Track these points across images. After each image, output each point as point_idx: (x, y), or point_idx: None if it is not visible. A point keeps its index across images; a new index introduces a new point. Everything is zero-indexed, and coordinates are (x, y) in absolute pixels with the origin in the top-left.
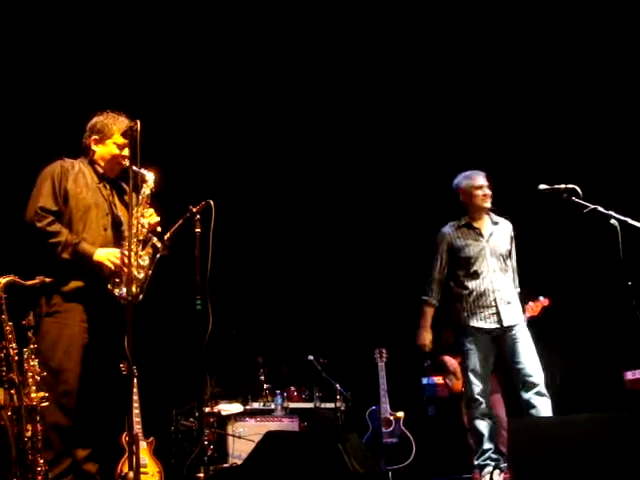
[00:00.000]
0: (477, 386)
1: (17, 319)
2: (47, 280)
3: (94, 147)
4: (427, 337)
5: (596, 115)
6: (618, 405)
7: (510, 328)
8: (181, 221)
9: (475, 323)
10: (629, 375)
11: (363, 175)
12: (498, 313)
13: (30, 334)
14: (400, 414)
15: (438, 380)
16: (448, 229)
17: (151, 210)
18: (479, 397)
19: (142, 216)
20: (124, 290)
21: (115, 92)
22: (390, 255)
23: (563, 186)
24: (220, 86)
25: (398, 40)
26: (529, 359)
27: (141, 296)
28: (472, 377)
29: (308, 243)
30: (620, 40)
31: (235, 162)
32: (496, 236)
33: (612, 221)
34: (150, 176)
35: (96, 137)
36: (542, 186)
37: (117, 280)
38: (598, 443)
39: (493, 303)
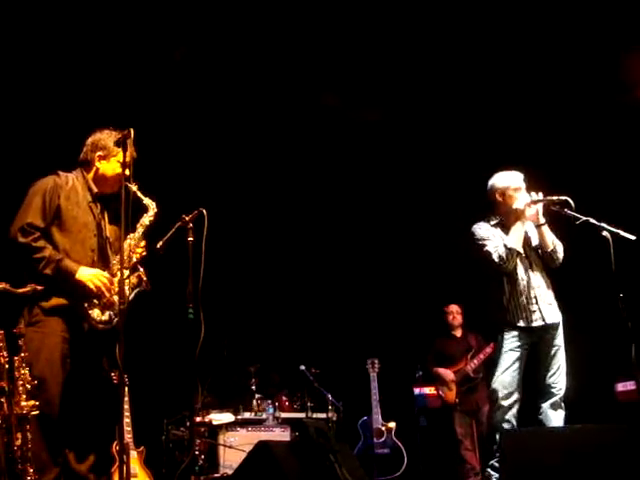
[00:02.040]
0: (504, 389)
1: (8, 327)
2: (38, 288)
3: (97, 164)
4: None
5: (589, 126)
6: (610, 416)
7: (552, 329)
8: (173, 230)
9: (516, 322)
10: (620, 387)
11: (355, 187)
12: (540, 310)
13: (21, 342)
14: (392, 425)
15: (430, 391)
16: (484, 224)
17: (143, 243)
18: (503, 402)
19: (136, 245)
20: (98, 312)
21: (107, 101)
22: (383, 266)
23: (555, 198)
24: (212, 95)
25: (398, 41)
26: (560, 368)
27: (115, 320)
28: (500, 379)
29: (301, 253)
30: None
31: (228, 171)
32: (529, 233)
33: (604, 233)
34: (152, 206)
35: (101, 154)
36: (535, 197)
37: (95, 301)
38: (590, 455)
39: (534, 300)
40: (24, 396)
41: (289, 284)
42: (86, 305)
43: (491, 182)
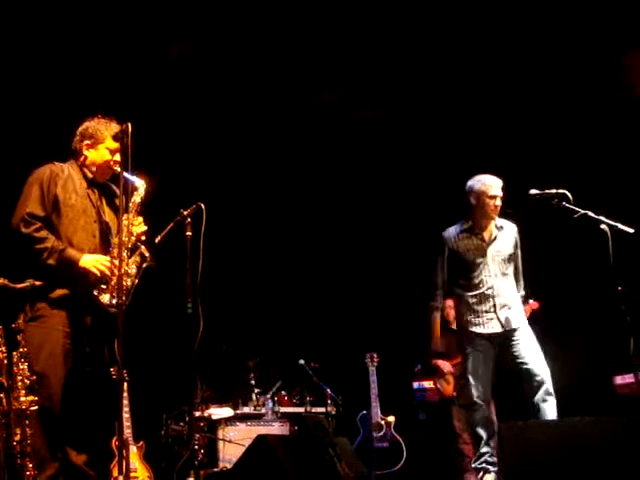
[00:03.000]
0: (477, 389)
1: (6, 323)
2: (37, 283)
3: (85, 152)
4: (440, 344)
5: (587, 121)
6: (608, 409)
7: (512, 332)
8: (172, 224)
9: (476, 329)
10: (619, 380)
11: (354, 180)
12: (498, 318)
13: (20, 337)
14: (391, 418)
15: (429, 385)
16: (451, 232)
17: (140, 219)
18: (478, 400)
19: (131, 224)
20: (108, 297)
21: (105, 95)
22: (381, 260)
23: (554, 191)
24: (210, 90)
25: (395, 42)
26: (535, 358)
27: (127, 303)
28: (472, 380)
29: (300, 247)
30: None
31: (226, 165)
32: (499, 241)
33: (602, 226)
34: (141, 184)
35: (88, 142)
36: (533, 191)
37: (103, 287)
38: (588, 447)
39: (492, 309)
40: (23, 391)
41: (288, 278)
42: (95, 292)
43: (469, 183)
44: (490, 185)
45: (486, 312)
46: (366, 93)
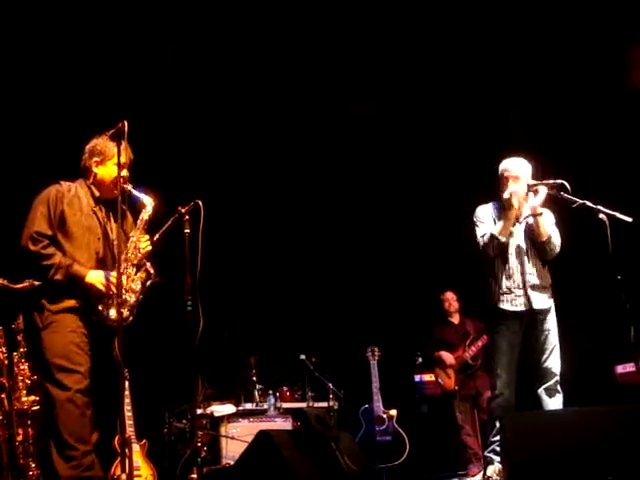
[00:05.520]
0: (501, 378)
1: (7, 323)
2: (36, 283)
3: (95, 169)
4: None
5: (586, 109)
6: (609, 399)
7: (540, 313)
8: (170, 222)
9: (504, 305)
10: (620, 369)
11: (353, 173)
12: (527, 295)
13: (20, 338)
14: (393, 412)
15: (430, 378)
16: (490, 205)
17: (146, 237)
18: (500, 389)
19: (138, 241)
20: (114, 311)
21: (103, 94)
22: (381, 254)
23: (552, 181)
24: (208, 86)
25: (398, 29)
26: (551, 353)
27: (131, 318)
28: (496, 368)
29: (299, 242)
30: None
31: (223, 162)
32: (530, 220)
33: (601, 216)
34: (149, 202)
35: (97, 159)
36: (531, 181)
37: (109, 302)
38: (590, 437)
39: (521, 285)
40: (24, 392)
41: (287, 274)
42: (100, 307)
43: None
44: (511, 166)
45: (515, 289)
46: (366, 87)
